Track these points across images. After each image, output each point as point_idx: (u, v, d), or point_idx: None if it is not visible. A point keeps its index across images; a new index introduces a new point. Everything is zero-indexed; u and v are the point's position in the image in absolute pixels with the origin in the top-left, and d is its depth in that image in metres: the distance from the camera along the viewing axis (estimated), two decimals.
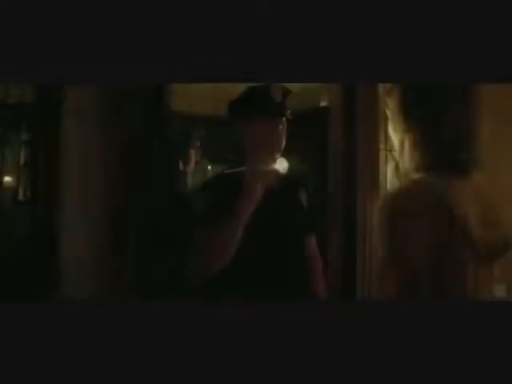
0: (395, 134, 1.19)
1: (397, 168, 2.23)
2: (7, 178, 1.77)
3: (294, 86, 1.76)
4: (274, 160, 1.60)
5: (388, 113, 1.19)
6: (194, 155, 1.96)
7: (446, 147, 1.11)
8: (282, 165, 1.60)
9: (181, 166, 1.93)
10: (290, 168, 1.63)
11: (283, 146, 1.70)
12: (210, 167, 4.58)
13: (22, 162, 1.76)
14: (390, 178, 2.29)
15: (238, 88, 1.67)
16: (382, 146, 2.20)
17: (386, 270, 1.09)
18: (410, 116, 1.14)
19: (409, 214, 1.04)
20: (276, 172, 1.60)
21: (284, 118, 1.70)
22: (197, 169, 2.21)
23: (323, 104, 3.52)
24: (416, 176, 1.13)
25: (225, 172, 1.77)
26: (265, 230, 1.63)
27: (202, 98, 3.48)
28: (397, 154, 1.21)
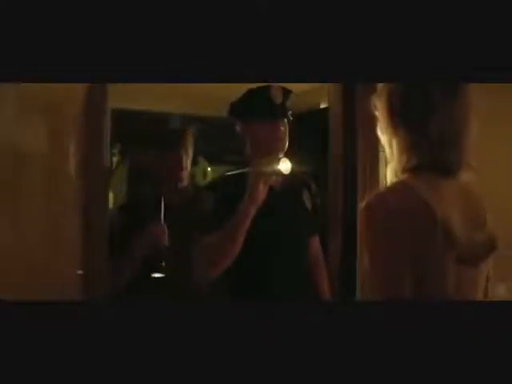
0: (383, 135, 1.19)
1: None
2: None
3: (293, 88, 1.76)
4: (276, 161, 1.60)
5: (377, 114, 1.19)
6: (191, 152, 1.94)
7: (432, 148, 1.10)
8: (284, 165, 1.60)
9: (184, 163, 1.90)
10: (292, 168, 1.63)
11: (285, 147, 1.71)
12: (209, 169, 4.58)
13: None
14: (389, 179, 2.29)
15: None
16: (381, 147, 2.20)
17: (369, 272, 1.09)
18: (396, 117, 1.13)
19: (390, 217, 1.04)
20: (279, 172, 1.60)
21: (285, 120, 1.70)
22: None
23: (323, 105, 3.52)
24: (400, 178, 1.13)
25: (227, 174, 1.77)
26: (268, 231, 1.63)
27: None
28: (386, 155, 1.21)
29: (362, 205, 1.09)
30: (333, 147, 2.15)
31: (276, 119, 1.68)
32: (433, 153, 1.10)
